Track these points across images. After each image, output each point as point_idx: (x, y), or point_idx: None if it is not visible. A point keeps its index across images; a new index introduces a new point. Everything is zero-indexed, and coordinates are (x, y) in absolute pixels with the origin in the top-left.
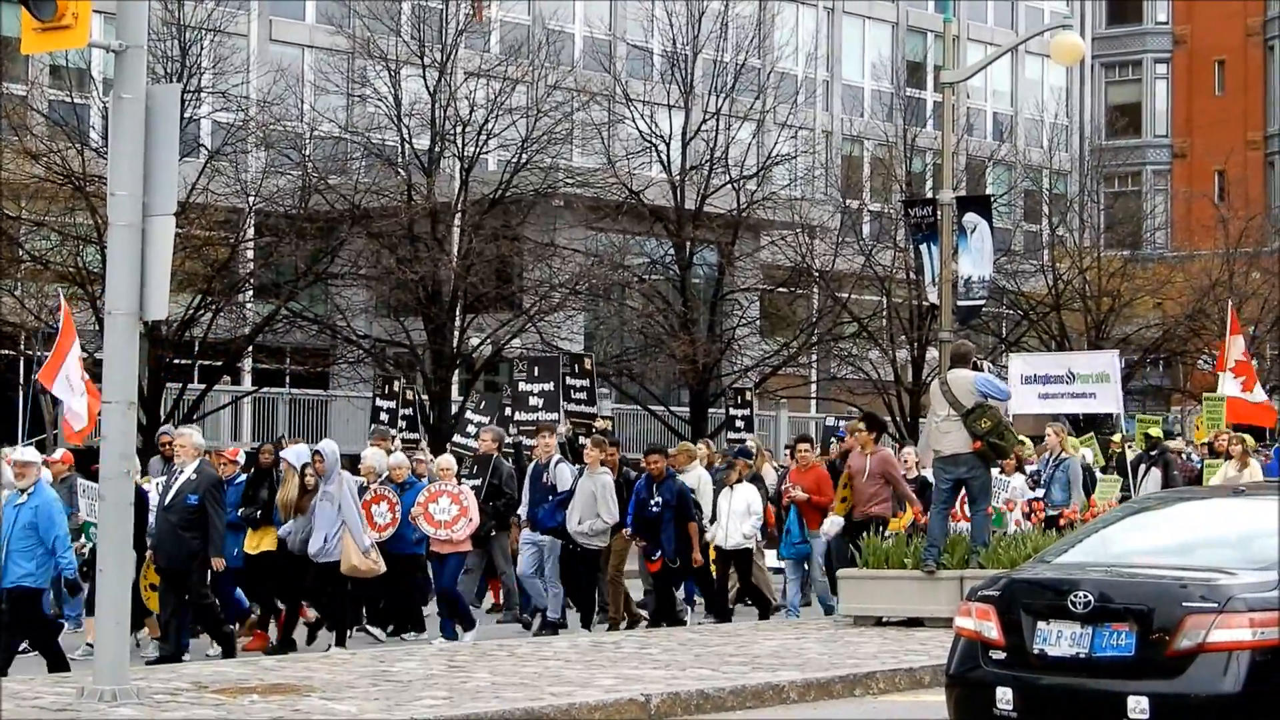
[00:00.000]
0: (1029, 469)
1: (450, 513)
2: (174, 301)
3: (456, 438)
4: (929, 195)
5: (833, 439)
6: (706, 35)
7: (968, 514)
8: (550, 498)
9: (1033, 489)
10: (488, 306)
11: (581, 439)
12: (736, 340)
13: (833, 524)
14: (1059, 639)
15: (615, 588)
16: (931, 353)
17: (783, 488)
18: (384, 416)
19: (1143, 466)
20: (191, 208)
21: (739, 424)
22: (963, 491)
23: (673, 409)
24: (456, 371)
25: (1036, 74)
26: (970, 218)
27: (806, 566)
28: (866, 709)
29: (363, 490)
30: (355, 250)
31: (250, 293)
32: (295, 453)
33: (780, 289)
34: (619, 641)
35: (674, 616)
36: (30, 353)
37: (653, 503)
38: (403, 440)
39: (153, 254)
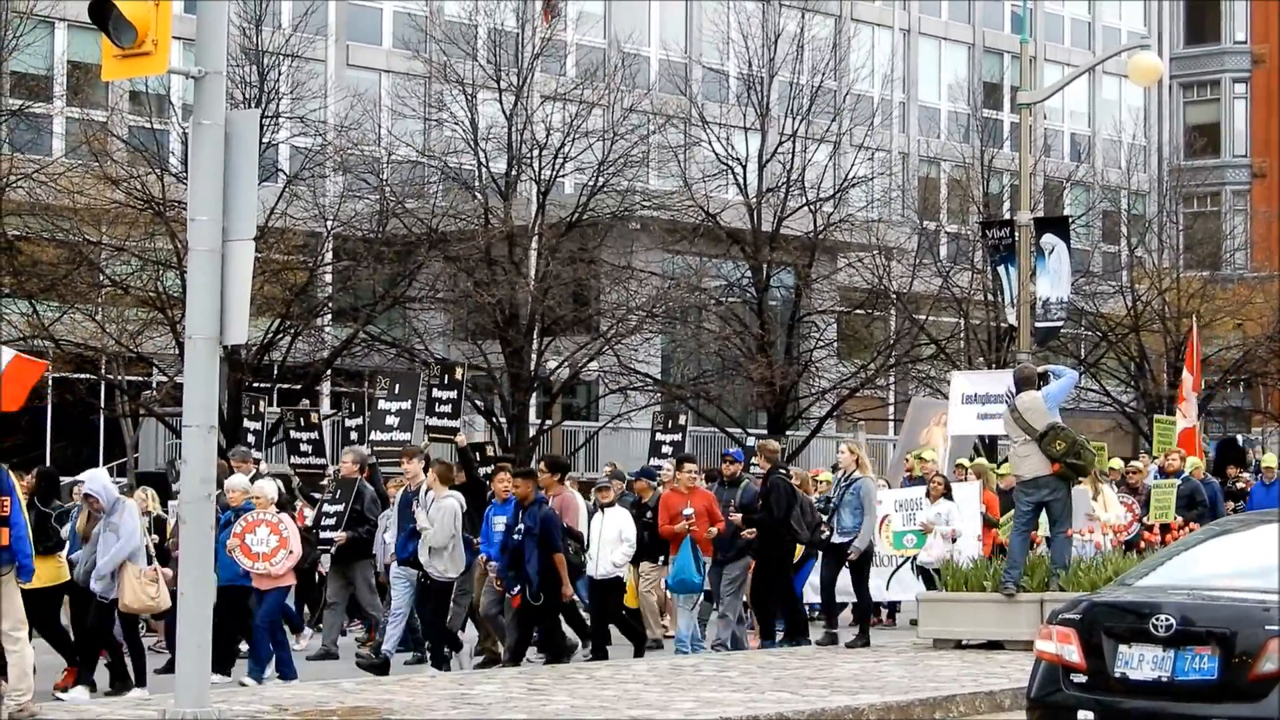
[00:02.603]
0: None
1: (269, 544)
2: (253, 326)
3: (375, 434)
4: (1006, 216)
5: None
6: (782, 57)
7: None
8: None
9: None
10: (565, 329)
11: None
12: (814, 363)
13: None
14: (1141, 662)
15: (485, 618)
16: (1012, 374)
17: (684, 513)
18: (250, 439)
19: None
20: (270, 232)
21: (666, 449)
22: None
23: (750, 431)
24: (534, 394)
25: (1114, 94)
26: (1048, 239)
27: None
28: None
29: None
30: (433, 274)
31: (329, 316)
32: (90, 477)
33: (857, 311)
34: (698, 665)
35: (560, 650)
36: (110, 377)
37: (516, 530)
38: (308, 467)
39: (232, 278)
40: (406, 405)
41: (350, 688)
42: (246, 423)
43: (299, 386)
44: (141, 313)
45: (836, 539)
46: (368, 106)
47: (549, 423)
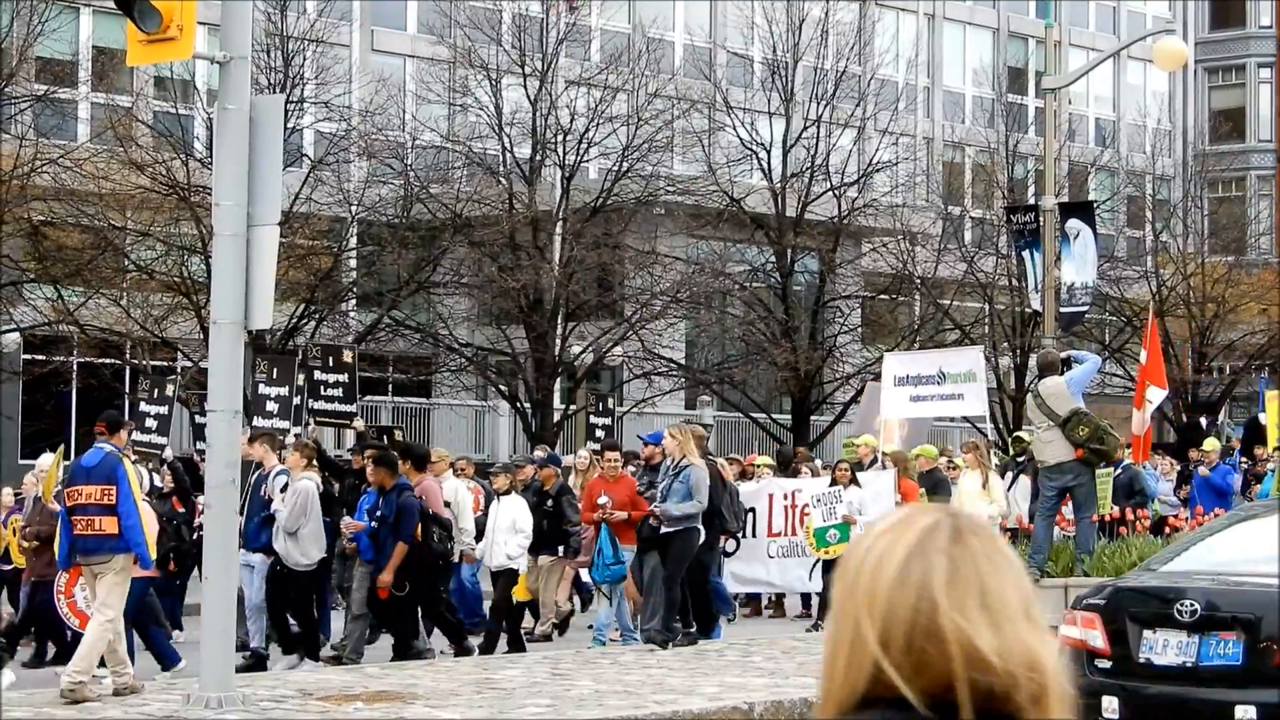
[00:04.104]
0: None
1: None
2: (278, 310)
3: (257, 420)
4: (1031, 201)
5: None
6: (807, 42)
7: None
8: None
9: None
10: (589, 314)
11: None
12: (838, 348)
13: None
14: (1165, 648)
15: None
16: (1035, 360)
17: (599, 502)
18: (150, 422)
19: (1009, 475)
20: (295, 217)
21: (599, 434)
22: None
23: (774, 416)
24: (558, 380)
25: (1139, 79)
26: (1073, 224)
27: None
28: None
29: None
30: (457, 259)
31: (353, 301)
32: None
33: (882, 296)
34: (722, 650)
35: (411, 651)
36: (135, 362)
37: (375, 517)
38: (147, 446)
39: (257, 263)
40: (284, 391)
41: (374, 672)
42: (145, 406)
43: None
44: (166, 298)
45: (666, 529)
46: (392, 91)
47: (573, 408)
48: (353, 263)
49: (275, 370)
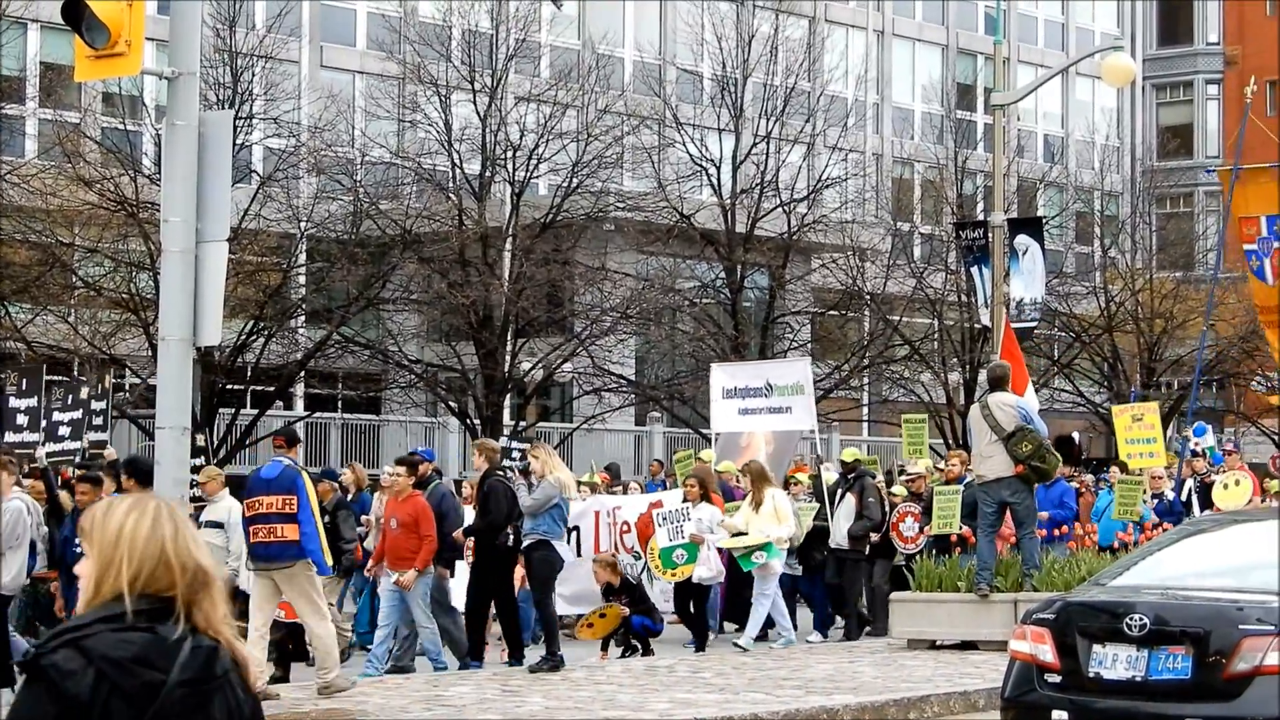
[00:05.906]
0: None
1: None
2: (227, 327)
3: (9, 435)
4: (980, 217)
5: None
6: (756, 59)
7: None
8: None
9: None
10: (539, 331)
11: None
12: None
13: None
14: (1114, 662)
15: None
16: (984, 375)
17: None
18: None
19: (839, 492)
20: (244, 233)
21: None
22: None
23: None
24: (508, 396)
25: (1087, 95)
26: (1022, 239)
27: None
28: None
29: None
30: (407, 275)
31: (302, 318)
32: None
33: (831, 312)
34: (673, 666)
35: None
36: (83, 379)
37: (77, 541)
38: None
39: (206, 280)
40: (34, 403)
41: None
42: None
43: (272, 388)
44: (114, 314)
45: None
46: (341, 108)
47: (523, 424)
48: (302, 279)
49: (25, 382)
